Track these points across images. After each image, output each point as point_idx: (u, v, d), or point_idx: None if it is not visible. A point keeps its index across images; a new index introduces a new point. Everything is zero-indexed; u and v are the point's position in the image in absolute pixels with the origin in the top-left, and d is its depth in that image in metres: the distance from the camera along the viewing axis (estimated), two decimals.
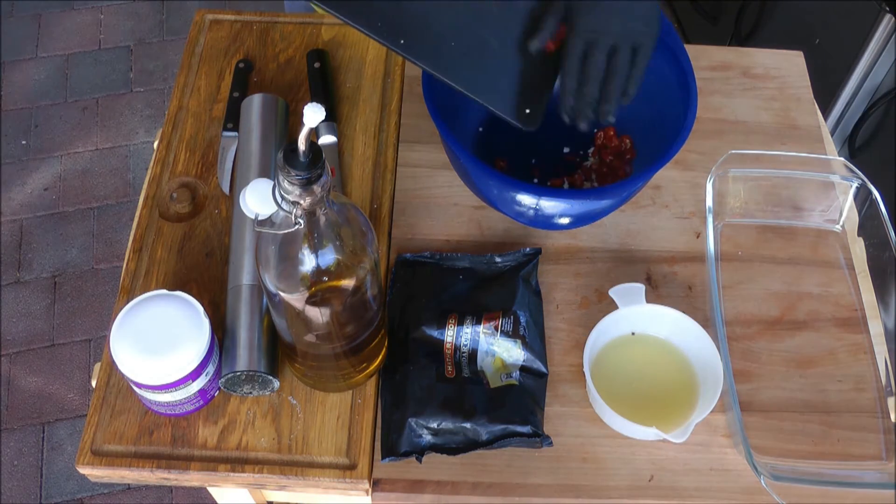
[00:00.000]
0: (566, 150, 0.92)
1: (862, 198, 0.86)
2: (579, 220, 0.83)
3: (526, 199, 0.77)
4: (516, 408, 0.74)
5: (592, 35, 0.71)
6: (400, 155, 0.92)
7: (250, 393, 0.76)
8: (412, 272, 0.83)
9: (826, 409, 0.78)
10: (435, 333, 0.77)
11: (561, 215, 0.80)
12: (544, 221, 0.82)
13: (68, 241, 1.85)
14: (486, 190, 0.80)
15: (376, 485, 0.73)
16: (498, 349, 0.77)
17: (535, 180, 0.90)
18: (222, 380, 0.74)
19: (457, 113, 0.86)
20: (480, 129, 0.92)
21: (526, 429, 0.73)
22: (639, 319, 0.78)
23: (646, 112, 0.87)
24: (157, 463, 0.73)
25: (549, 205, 0.77)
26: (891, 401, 0.79)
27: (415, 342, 0.77)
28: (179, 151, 0.91)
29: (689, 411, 0.74)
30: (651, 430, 0.71)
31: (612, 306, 0.78)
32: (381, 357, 0.77)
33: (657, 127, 0.84)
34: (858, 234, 0.88)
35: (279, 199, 0.57)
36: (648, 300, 0.78)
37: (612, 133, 0.90)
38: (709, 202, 0.83)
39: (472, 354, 0.77)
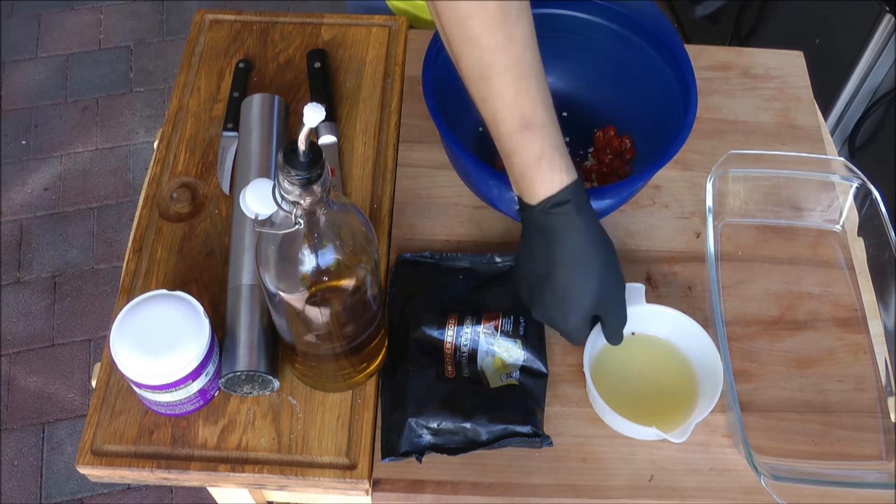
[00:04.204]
0: None
1: (862, 198, 0.86)
2: None
3: None
4: (516, 408, 0.74)
5: None
6: (400, 155, 0.92)
7: (250, 393, 0.76)
8: (412, 272, 0.83)
9: (826, 409, 0.78)
10: (435, 333, 0.77)
11: None
12: None
13: (68, 241, 1.85)
14: (486, 190, 0.80)
15: (376, 485, 0.73)
16: (498, 349, 0.77)
17: None
18: (222, 380, 0.74)
19: (457, 113, 0.86)
20: (480, 128, 0.92)
21: (526, 429, 0.73)
22: (639, 319, 0.78)
23: (646, 112, 0.88)
24: (157, 463, 0.73)
25: None
26: (891, 401, 0.79)
27: (415, 342, 0.77)
28: (179, 151, 0.91)
29: (689, 411, 0.74)
30: (651, 430, 0.71)
31: None
32: (381, 357, 0.77)
33: (657, 127, 0.84)
34: (858, 234, 0.88)
35: (279, 199, 0.57)
36: (648, 300, 0.78)
37: (612, 133, 0.90)
38: (709, 202, 0.83)
39: (472, 354, 0.77)
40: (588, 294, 0.69)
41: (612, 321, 0.72)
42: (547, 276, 0.69)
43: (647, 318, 0.78)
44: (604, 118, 0.92)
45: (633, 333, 0.79)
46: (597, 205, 0.79)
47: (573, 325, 0.70)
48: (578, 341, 0.73)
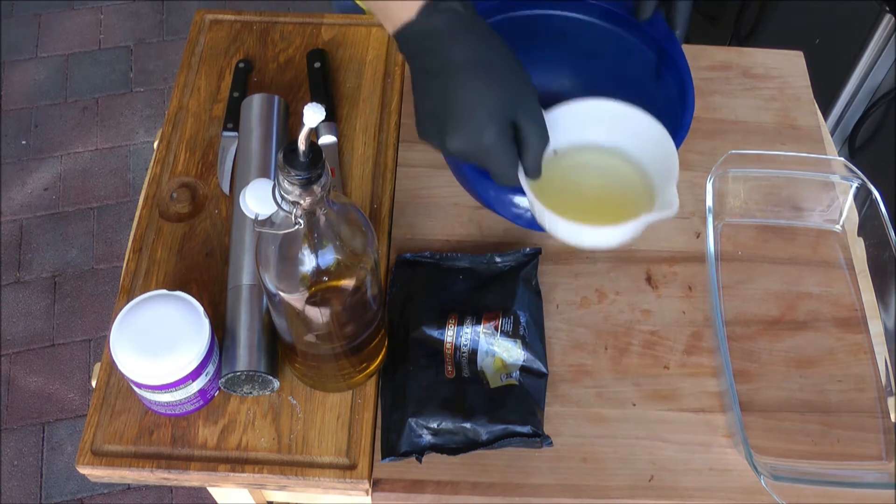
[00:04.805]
0: None
1: (862, 198, 0.86)
2: None
3: (524, 201, 0.77)
4: (516, 408, 0.74)
5: None
6: (400, 155, 0.92)
7: (250, 393, 0.76)
8: (412, 272, 0.83)
9: (826, 409, 0.78)
10: (435, 333, 0.77)
11: None
12: None
13: (68, 241, 1.85)
14: (483, 192, 0.80)
15: (376, 485, 0.73)
16: (498, 349, 0.77)
17: None
18: (222, 380, 0.74)
19: None
20: None
21: (526, 429, 0.73)
22: (555, 130, 0.69)
23: None
24: (157, 463, 0.73)
25: None
26: (891, 401, 0.79)
27: (415, 342, 0.77)
28: (179, 151, 0.91)
29: (652, 197, 0.68)
30: (641, 219, 0.63)
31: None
32: (381, 357, 0.77)
33: None
34: (858, 234, 0.88)
35: (279, 199, 0.57)
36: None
37: None
38: (709, 202, 0.83)
39: (472, 354, 0.77)
40: (498, 91, 0.62)
41: (531, 129, 0.63)
42: (450, 89, 0.62)
43: (558, 126, 0.70)
44: None
45: (555, 152, 0.71)
46: None
47: (493, 136, 0.62)
48: (506, 167, 0.63)
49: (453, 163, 0.82)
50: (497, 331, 0.77)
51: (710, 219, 0.82)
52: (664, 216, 0.64)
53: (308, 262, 0.61)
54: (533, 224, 0.82)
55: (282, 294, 0.63)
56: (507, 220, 0.87)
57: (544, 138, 0.65)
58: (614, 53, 0.88)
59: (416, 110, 0.67)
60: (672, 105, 0.81)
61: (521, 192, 0.74)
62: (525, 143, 0.64)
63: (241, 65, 0.97)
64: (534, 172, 0.66)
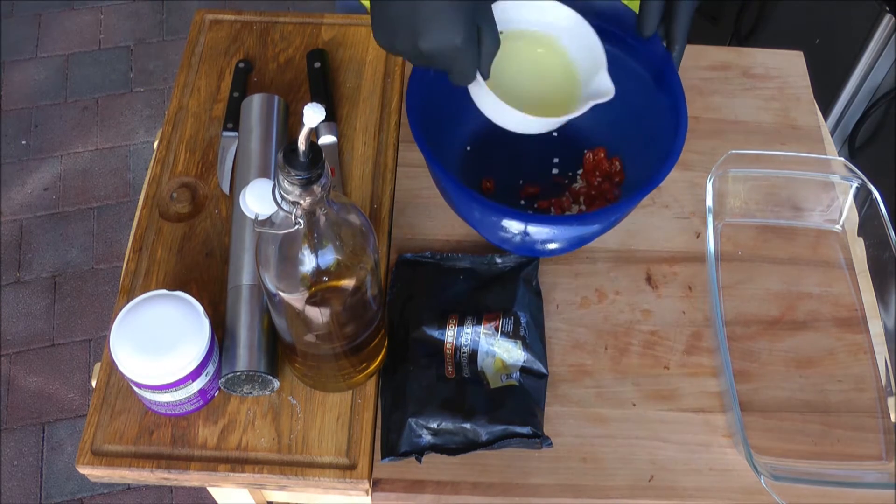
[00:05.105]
0: (555, 171, 0.90)
1: (862, 198, 0.86)
2: (568, 247, 0.81)
3: (511, 225, 0.75)
4: (516, 408, 0.74)
5: None
6: (400, 155, 0.92)
7: (250, 393, 0.76)
8: (412, 272, 0.83)
9: (826, 409, 0.78)
10: (435, 333, 0.77)
11: (545, 241, 0.78)
12: (530, 247, 0.80)
13: (68, 241, 1.86)
14: (467, 214, 0.78)
15: (376, 485, 0.73)
16: (498, 350, 0.77)
17: (522, 202, 0.88)
18: (222, 380, 0.74)
19: (443, 132, 0.84)
20: (468, 148, 0.90)
21: (526, 430, 0.73)
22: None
23: (637, 133, 0.84)
24: (157, 463, 0.73)
25: (535, 230, 0.75)
26: (891, 401, 0.79)
27: (415, 342, 0.77)
28: (179, 151, 0.91)
29: (579, 83, 0.72)
30: (587, 104, 0.68)
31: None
32: (381, 357, 0.77)
33: (649, 146, 0.81)
34: (858, 234, 0.88)
35: (279, 199, 0.57)
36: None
37: (601, 155, 0.88)
38: (709, 202, 0.83)
39: (473, 355, 0.77)
40: None
41: (488, 31, 0.66)
42: None
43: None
44: (594, 138, 0.89)
45: (501, 32, 0.73)
46: (584, 230, 0.77)
47: (464, 38, 0.64)
48: (470, 67, 0.67)
49: (438, 181, 0.80)
50: (497, 331, 0.77)
51: (710, 219, 0.82)
52: (606, 99, 0.70)
53: (308, 262, 0.61)
54: (520, 249, 0.81)
55: (282, 294, 0.63)
56: None
57: (498, 41, 0.68)
58: (610, 73, 0.85)
59: (376, 19, 0.68)
60: (666, 126, 0.79)
61: (509, 215, 0.73)
62: (482, 46, 0.67)
63: (241, 65, 0.97)
64: (487, 73, 0.69)
